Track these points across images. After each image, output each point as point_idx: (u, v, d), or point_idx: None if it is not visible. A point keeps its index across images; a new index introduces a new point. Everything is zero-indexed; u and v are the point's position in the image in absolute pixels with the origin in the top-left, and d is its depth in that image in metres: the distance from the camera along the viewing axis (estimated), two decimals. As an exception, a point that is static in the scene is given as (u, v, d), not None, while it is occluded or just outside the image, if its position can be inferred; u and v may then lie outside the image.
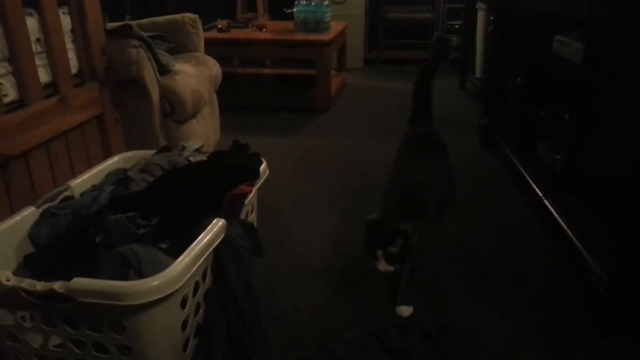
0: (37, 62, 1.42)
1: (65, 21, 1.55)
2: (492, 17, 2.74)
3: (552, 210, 1.72)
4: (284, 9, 4.13)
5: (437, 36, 1.78)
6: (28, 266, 1.17)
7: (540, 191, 1.86)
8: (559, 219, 1.66)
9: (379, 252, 1.31)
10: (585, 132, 1.60)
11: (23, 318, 1.05)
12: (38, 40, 1.44)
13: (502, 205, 2.04)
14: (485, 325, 1.35)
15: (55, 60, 1.48)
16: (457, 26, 4.63)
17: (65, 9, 1.57)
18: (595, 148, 1.55)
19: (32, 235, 1.22)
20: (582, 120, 1.61)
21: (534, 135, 2.12)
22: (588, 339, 1.30)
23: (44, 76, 1.46)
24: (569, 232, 1.57)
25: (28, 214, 1.25)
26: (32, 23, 1.41)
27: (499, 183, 2.23)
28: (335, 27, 3.66)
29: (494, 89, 2.63)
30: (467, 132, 2.85)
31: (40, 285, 0.96)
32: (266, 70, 3.88)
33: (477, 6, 3.72)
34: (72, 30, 1.59)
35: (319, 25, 3.45)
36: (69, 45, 1.57)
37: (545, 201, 1.79)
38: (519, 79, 2.21)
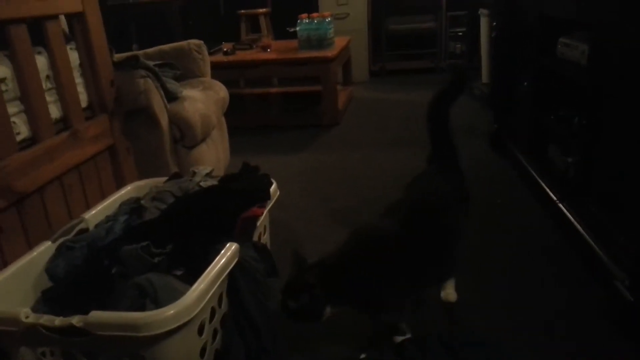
0: (48, 98, 1.46)
1: (73, 56, 1.59)
2: (495, 23, 2.74)
3: (568, 214, 1.69)
4: (287, 28, 4.18)
5: (449, 65, 1.47)
6: (46, 301, 1.18)
7: (555, 195, 1.84)
8: (575, 222, 1.63)
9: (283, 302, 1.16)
10: (596, 134, 1.58)
11: (43, 354, 1.06)
12: (48, 77, 1.48)
13: (517, 211, 2.02)
14: (506, 335, 1.33)
15: (65, 96, 1.51)
16: (460, 33, 4.64)
17: (72, 45, 1.61)
18: (608, 149, 1.52)
19: (49, 270, 1.24)
20: (592, 122, 1.59)
21: (545, 139, 2.10)
22: (614, 346, 1.27)
23: (54, 112, 1.49)
24: (587, 236, 1.54)
25: (44, 249, 1.26)
26: (41, 61, 1.44)
27: (512, 188, 2.21)
28: (339, 42, 3.69)
29: (502, 94, 2.62)
30: (478, 138, 2.84)
31: (58, 321, 0.97)
32: (273, 89, 3.91)
33: (479, 12, 3.73)
34: (81, 65, 1.62)
35: (322, 42, 3.48)
36: (78, 79, 1.60)
37: (561, 205, 1.76)
38: (525, 83, 2.20)
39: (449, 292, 1.45)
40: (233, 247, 1.18)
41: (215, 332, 1.14)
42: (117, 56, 1.98)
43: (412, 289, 1.27)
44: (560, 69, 1.86)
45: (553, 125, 1.95)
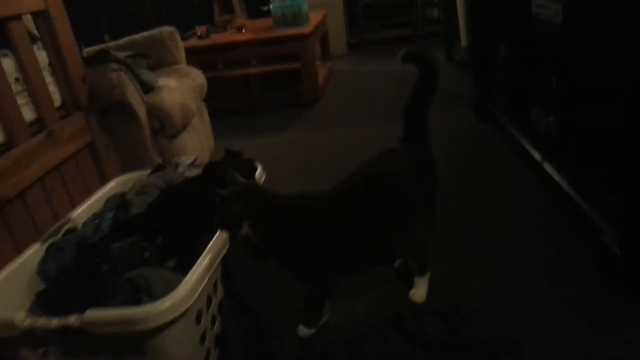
0: (20, 101, 1.43)
1: (42, 56, 1.56)
2: (468, -14, 2.72)
3: (553, 174, 1.71)
4: (261, 7, 4.11)
5: (405, 55, 1.22)
6: (41, 303, 1.18)
7: (539, 156, 1.86)
8: (560, 182, 1.65)
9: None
10: (572, 92, 1.59)
11: (46, 352, 1.07)
12: (17, 79, 1.44)
13: (503, 175, 2.03)
14: (498, 300, 1.34)
15: (37, 97, 1.49)
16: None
17: (39, 45, 1.57)
18: (584, 106, 1.54)
19: (41, 271, 1.24)
20: (568, 81, 1.60)
21: (526, 101, 2.11)
22: (605, 301, 1.28)
23: (28, 114, 1.46)
24: (573, 194, 1.57)
25: (34, 252, 1.26)
26: (8, 64, 1.41)
27: (497, 152, 2.22)
28: (315, 17, 3.64)
29: (481, 59, 2.61)
30: (460, 104, 2.84)
31: (55, 322, 0.97)
32: (252, 70, 3.87)
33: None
34: (50, 64, 1.59)
35: (297, 19, 3.43)
36: (49, 79, 1.57)
37: (545, 165, 1.79)
38: (503, 46, 2.19)
39: (417, 292, 1.36)
40: (223, 234, 1.18)
41: (213, 318, 1.16)
42: (87, 51, 1.94)
43: (332, 263, 1.21)
44: (536, 30, 1.86)
45: (532, 87, 1.96)
